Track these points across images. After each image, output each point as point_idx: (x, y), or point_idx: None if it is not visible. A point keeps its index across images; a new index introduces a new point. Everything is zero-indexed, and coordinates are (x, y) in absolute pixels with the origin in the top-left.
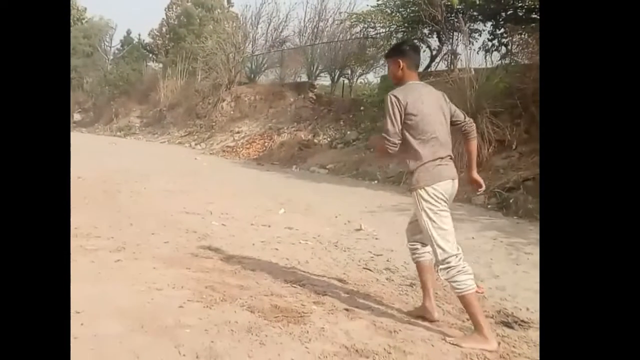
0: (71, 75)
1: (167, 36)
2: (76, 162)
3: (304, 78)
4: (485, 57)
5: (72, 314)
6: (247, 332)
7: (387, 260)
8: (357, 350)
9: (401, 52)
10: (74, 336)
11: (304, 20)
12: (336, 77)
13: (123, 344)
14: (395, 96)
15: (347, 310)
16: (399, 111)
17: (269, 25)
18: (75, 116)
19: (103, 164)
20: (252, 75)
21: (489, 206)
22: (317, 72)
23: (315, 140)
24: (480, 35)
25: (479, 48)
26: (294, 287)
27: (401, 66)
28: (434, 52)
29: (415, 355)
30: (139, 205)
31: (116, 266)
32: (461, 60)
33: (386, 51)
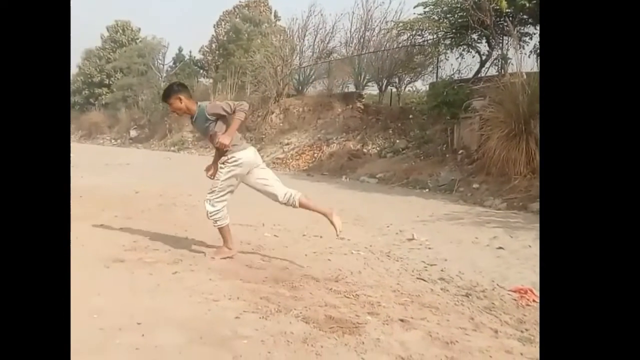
0: (127, 93)
1: (217, 52)
2: (133, 177)
3: (352, 88)
4: (537, 60)
5: (132, 325)
6: (302, 342)
7: (442, 270)
8: None
9: (174, 91)
10: (135, 347)
11: (350, 31)
12: (384, 86)
13: (183, 355)
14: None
15: (402, 321)
16: None
17: (316, 37)
18: (132, 132)
19: (158, 178)
20: (300, 87)
21: None
22: (365, 81)
23: (364, 150)
24: (530, 38)
25: (530, 51)
26: (348, 297)
27: (182, 100)
28: (484, 57)
29: None
30: (193, 218)
31: (174, 278)
32: (512, 65)
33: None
